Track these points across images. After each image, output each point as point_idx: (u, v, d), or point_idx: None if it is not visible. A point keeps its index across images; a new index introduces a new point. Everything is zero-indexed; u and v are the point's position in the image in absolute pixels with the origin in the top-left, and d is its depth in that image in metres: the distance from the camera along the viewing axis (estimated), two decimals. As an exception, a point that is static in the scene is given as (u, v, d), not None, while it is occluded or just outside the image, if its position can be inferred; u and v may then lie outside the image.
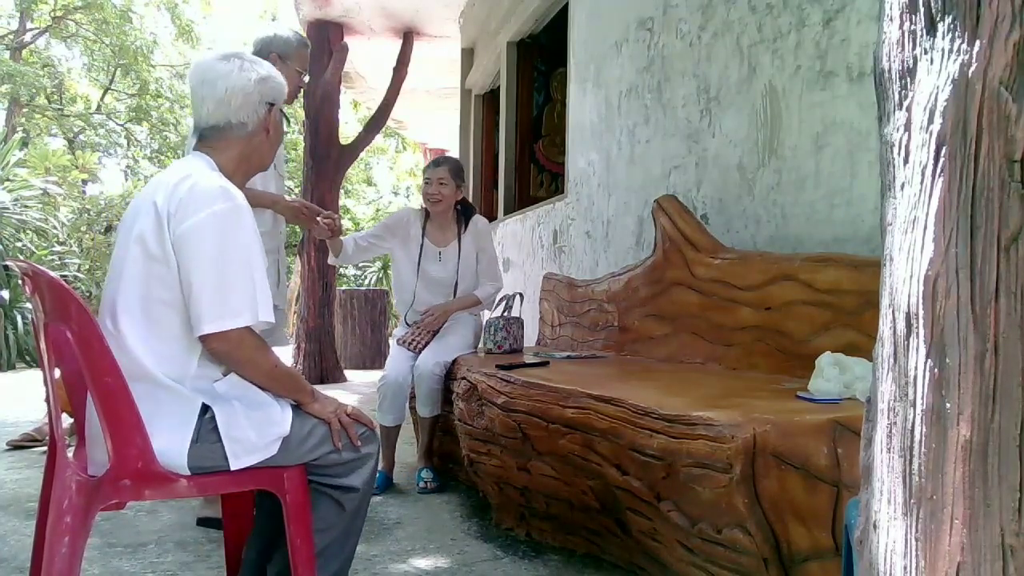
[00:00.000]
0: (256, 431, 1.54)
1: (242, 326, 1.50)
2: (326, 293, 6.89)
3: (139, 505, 2.83)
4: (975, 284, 0.70)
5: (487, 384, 2.55)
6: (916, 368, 0.73)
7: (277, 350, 1.72)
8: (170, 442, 1.49)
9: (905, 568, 0.72)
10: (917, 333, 0.73)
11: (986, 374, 0.69)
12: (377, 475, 2.66)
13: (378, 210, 18.88)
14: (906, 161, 0.77)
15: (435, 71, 8.19)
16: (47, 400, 1.72)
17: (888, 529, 0.75)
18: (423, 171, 3.55)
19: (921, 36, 0.76)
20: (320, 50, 6.58)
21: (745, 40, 2.84)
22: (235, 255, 1.51)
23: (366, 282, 13.22)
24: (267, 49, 2.75)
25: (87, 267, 11.64)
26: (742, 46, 2.86)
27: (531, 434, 2.24)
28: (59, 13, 15.20)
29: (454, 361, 3.14)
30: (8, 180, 9.53)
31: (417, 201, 18.29)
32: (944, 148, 0.72)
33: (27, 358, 8.54)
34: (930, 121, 0.73)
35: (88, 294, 10.79)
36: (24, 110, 15.48)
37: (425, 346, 3.28)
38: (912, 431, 0.73)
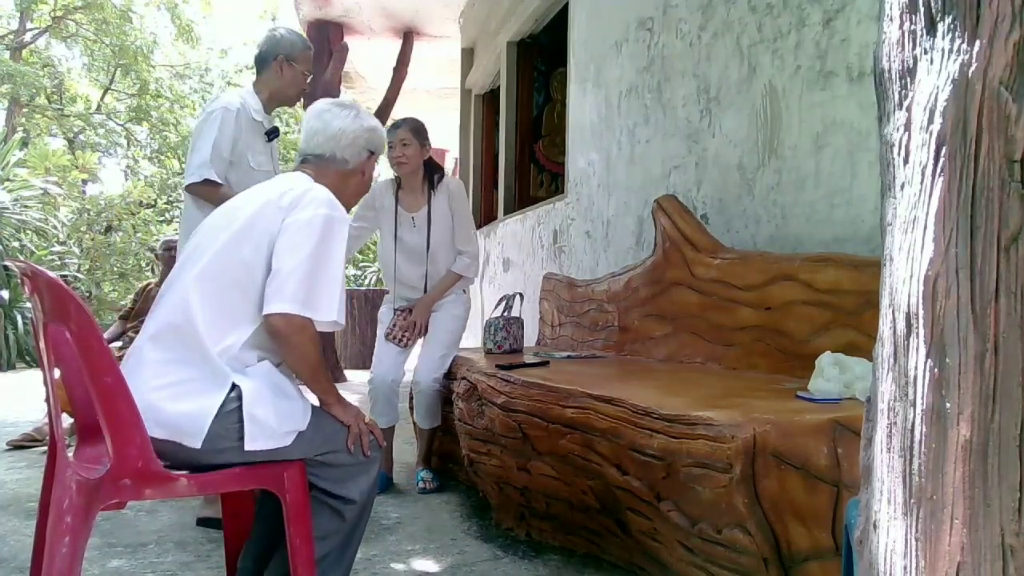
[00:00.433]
0: (277, 419, 1.58)
1: (312, 318, 1.60)
2: (326, 293, 6.88)
3: (139, 505, 2.83)
4: (975, 284, 0.70)
5: (487, 384, 2.55)
6: (916, 368, 0.73)
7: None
8: (195, 407, 1.52)
9: (905, 568, 0.72)
10: (917, 333, 0.73)
11: (986, 374, 0.69)
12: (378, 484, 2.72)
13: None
14: (906, 161, 0.77)
15: (435, 71, 8.19)
16: (47, 400, 1.72)
17: (888, 529, 0.75)
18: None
19: (921, 36, 0.76)
20: (320, 50, 6.57)
21: (745, 40, 2.84)
22: (330, 257, 1.64)
23: (366, 282, 13.22)
24: (274, 51, 2.73)
25: (87, 267, 11.64)
26: (742, 46, 2.86)
27: (531, 434, 2.24)
28: (59, 13, 15.20)
29: (453, 361, 3.14)
30: (8, 180, 9.53)
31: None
32: (944, 148, 0.72)
33: (27, 358, 8.54)
34: (930, 121, 0.73)
35: (88, 294, 10.79)
36: (24, 110, 15.48)
37: (413, 343, 3.20)
38: (912, 431, 0.73)
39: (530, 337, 4.11)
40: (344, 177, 1.85)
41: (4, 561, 2.32)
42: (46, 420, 3.92)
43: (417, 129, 3.18)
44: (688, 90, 3.24)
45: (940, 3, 0.74)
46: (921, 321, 0.73)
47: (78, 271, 10.88)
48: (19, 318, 8.38)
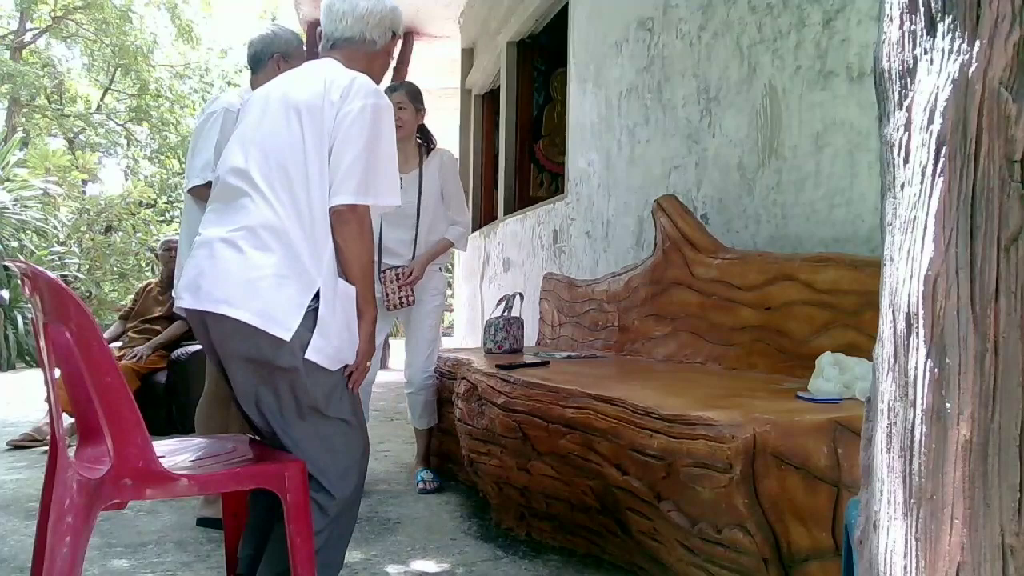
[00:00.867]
0: (338, 343, 1.65)
1: (375, 203, 1.70)
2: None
3: (139, 505, 2.83)
4: (975, 284, 0.70)
5: (487, 384, 2.55)
6: (916, 368, 0.73)
7: None
8: (292, 299, 1.59)
9: (905, 568, 0.72)
10: (917, 333, 0.73)
11: (986, 374, 0.69)
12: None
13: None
14: (906, 161, 0.77)
15: (435, 71, 8.19)
16: (47, 400, 1.72)
17: (888, 529, 0.75)
18: None
19: (921, 36, 0.76)
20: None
21: (745, 40, 2.84)
22: (384, 143, 1.73)
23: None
24: (269, 50, 2.71)
25: (87, 267, 11.64)
26: (742, 46, 2.86)
27: (531, 434, 2.24)
28: (59, 13, 15.21)
29: (452, 361, 3.14)
30: (8, 180, 9.54)
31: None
32: (944, 148, 0.72)
33: (27, 358, 8.54)
34: (930, 121, 0.73)
35: (88, 294, 10.78)
36: (24, 110, 15.48)
37: (404, 305, 3.10)
38: (912, 431, 0.73)
39: (530, 337, 4.11)
40: (371, 59, 1.90)
41: (4, 561, 2.32)
42: (46, 420, 3.92)
43: (413, 93, 3.21)
44: (688, 90, 3.24)
45: (940, 3, 0.74)
46: (921, 321, 0.73)
47: (78, 271, 10.88)
48: (19, 318, 8.39)
